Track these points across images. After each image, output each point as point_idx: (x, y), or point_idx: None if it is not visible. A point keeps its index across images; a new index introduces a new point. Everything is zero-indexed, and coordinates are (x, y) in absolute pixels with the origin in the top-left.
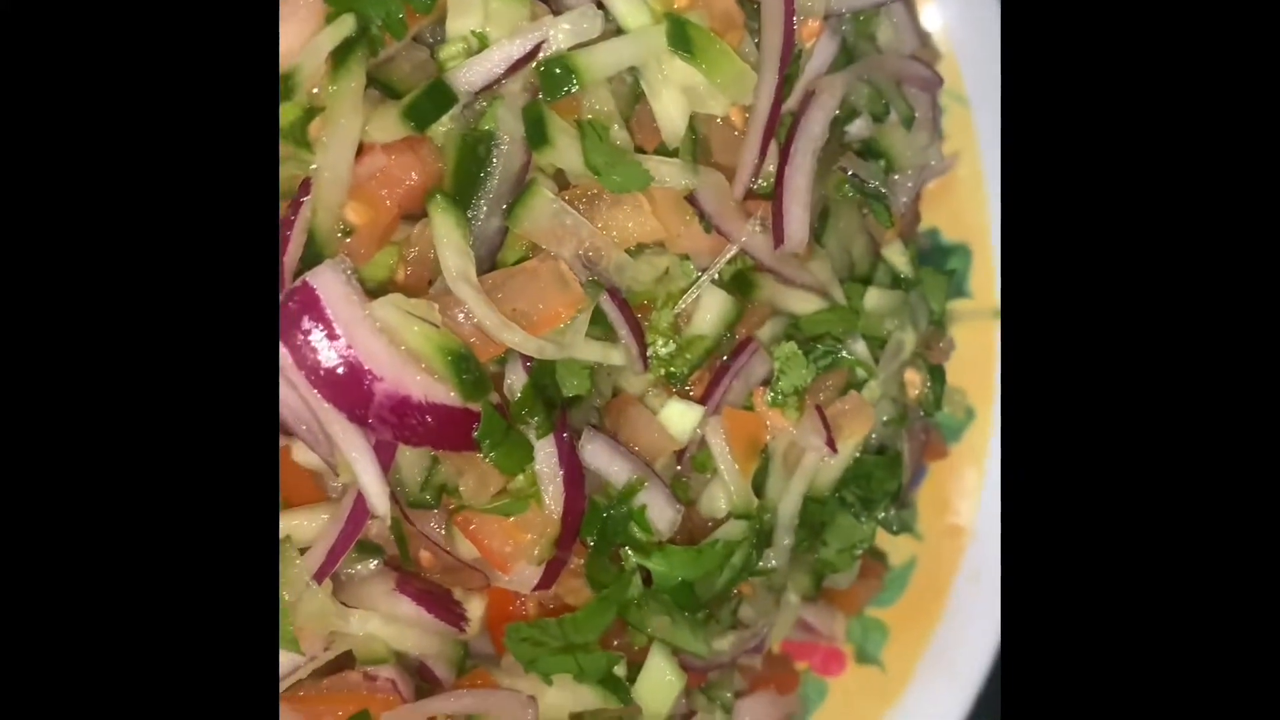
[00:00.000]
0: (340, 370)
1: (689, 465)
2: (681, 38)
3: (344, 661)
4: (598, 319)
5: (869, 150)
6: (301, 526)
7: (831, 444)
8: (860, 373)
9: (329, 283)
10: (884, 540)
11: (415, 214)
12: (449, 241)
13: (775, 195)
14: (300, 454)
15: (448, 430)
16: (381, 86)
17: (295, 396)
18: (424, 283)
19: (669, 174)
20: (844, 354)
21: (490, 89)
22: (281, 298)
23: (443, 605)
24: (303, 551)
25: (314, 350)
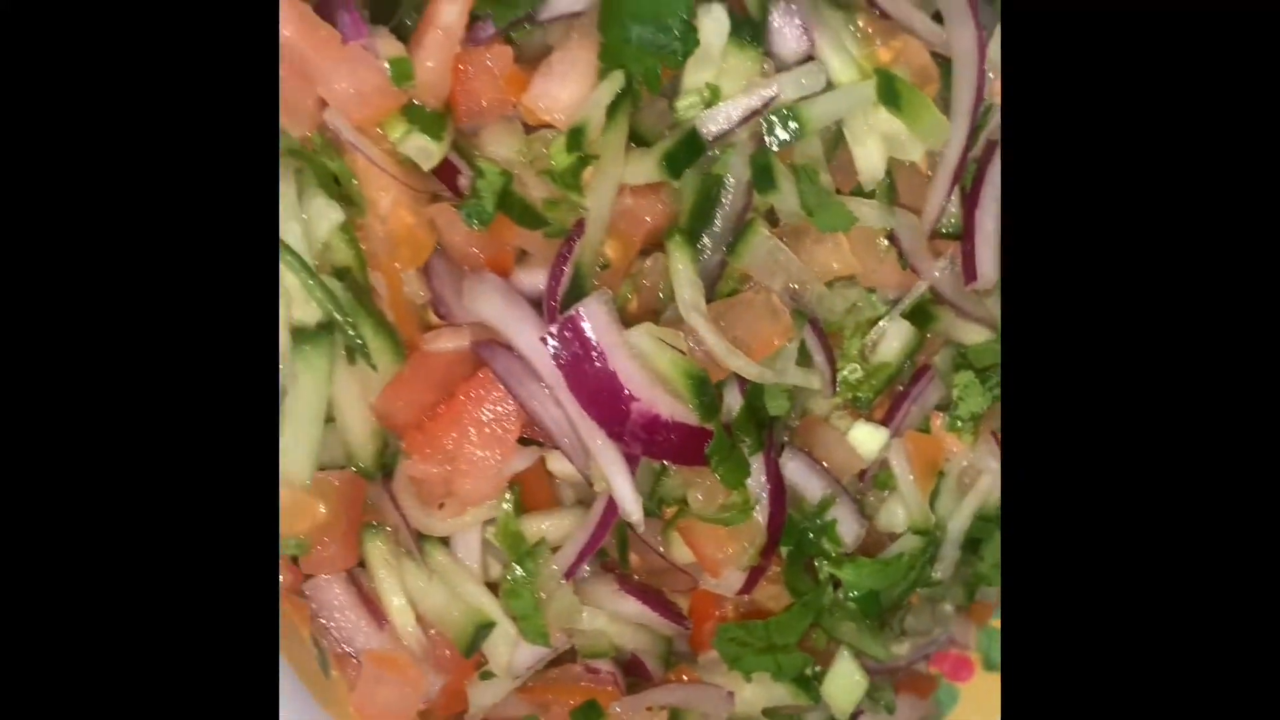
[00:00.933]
0: (603, 391)
1: (870, 482)
2: (891, 92)
3: (565, 656)
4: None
5: None
6: (553, 528)
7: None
8: None
9: (596, 313)
10: None
11: (646, 249)
12: (685, 276)
13: (965, 236)
14: (555, 464)
15: (688, 446)
16: (632, 136)
17: (562, 414)
18: (651, 311)
19: (870, 215)
20: None
21: (724, 138)
22: (554, 328)
23: (664, 605)
24: (554, 551)
25: (583, 373)
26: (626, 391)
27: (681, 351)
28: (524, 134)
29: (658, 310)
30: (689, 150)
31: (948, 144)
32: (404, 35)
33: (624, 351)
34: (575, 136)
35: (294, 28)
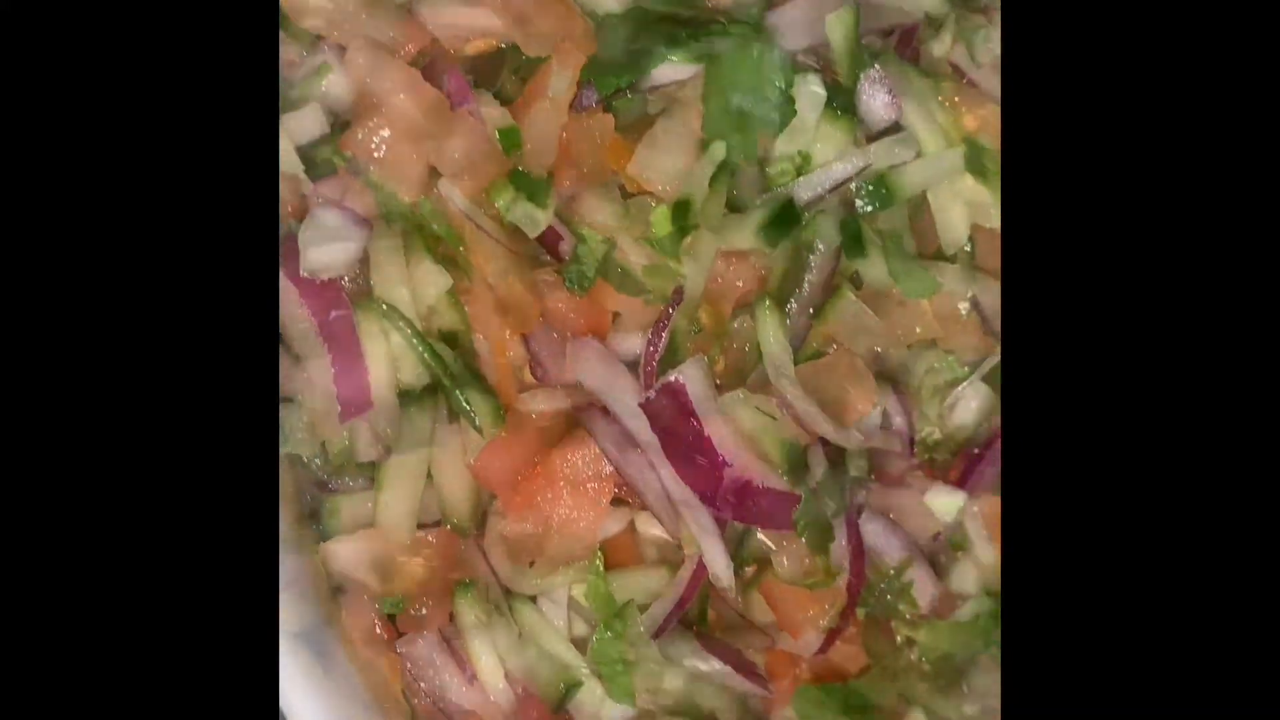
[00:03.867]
0: (698, 456)
1: (944, 543)
2: (978, 162)
3: (643, 715)
4: None
5: None
6: (642, 589)
7: None
8: None
9: (694, 378)
10: None
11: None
12: (774, 340)
13: None
14: (645, 526)
15: (777, 511)
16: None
17: (655, 478)
18: (738, 374)
19: (953, 280)
20: None
21: (816, 204)
22: (653, 393)
23: (744, 664)
24: (641, 611)
25: (679, 438)
26: (721, 457)
27: (773, 417)
28: (622, 201)
29: (744, 372)
30: (785, 219)
31: None
32: (504, 99)
33: (719, 417)
34: (681, 209)
35: (405, 93)
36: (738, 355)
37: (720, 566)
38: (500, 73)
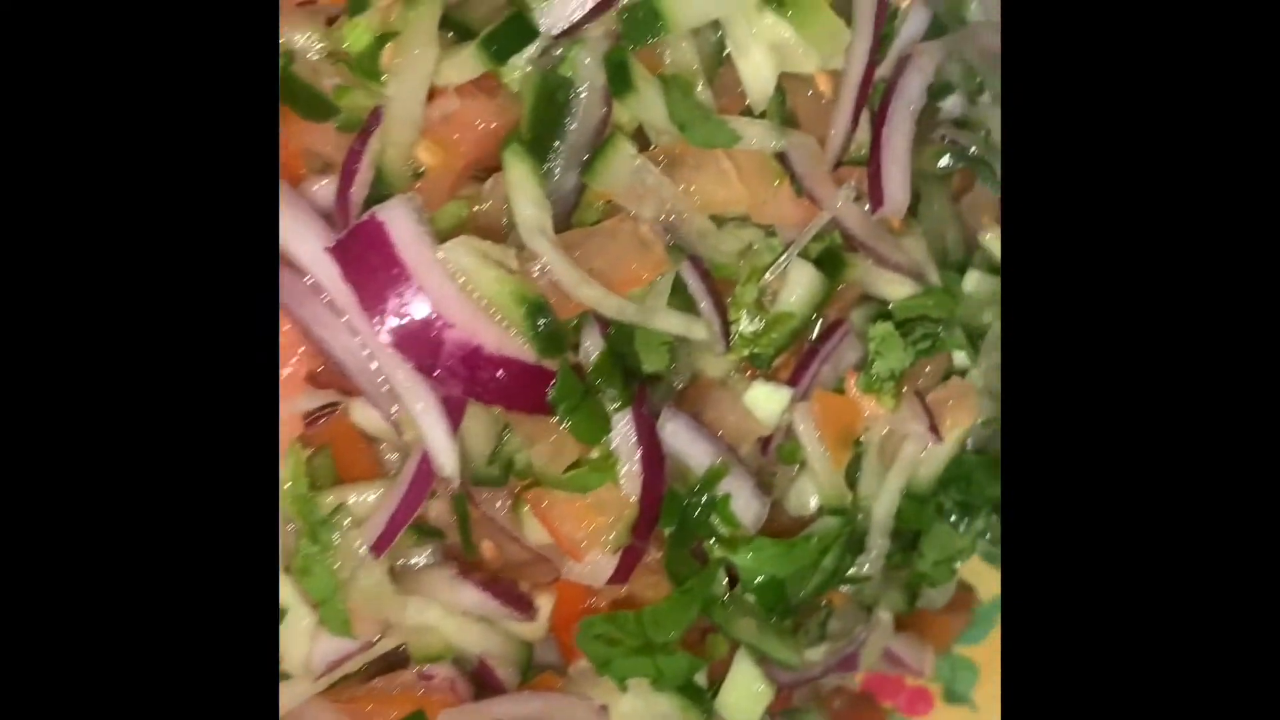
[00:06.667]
0: (409, 313)
1: (775, 456)
2: None
3: (396, 662)
4: (678, 291)
5: (967, 125)
6: (359, 501)
7: (935, 430)
8: (961, 359)
9: (399, 219)
10: (972, 573)
11: (485, 171)
12: (525, 191)
13: (872, 157)
14: (359, 413)
15: (521, 387)
16: (457, 28)
17: (357, 344)
18: (493, 236)
19: (757, 135)
20: (944, 335)
21: (571, 33)
22: (344, 233)
23: (509, 594)
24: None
25: (381, 290)
26: (437, 316)
27: (510, 269)
28: (325, 25)
29: (504, 238)
30: (514, 36)
31: (849, 56)
32: None
33: (438, 268)
34: (360, 3)
35: None
36: (492, 218)
37: (442, 451)
38: None
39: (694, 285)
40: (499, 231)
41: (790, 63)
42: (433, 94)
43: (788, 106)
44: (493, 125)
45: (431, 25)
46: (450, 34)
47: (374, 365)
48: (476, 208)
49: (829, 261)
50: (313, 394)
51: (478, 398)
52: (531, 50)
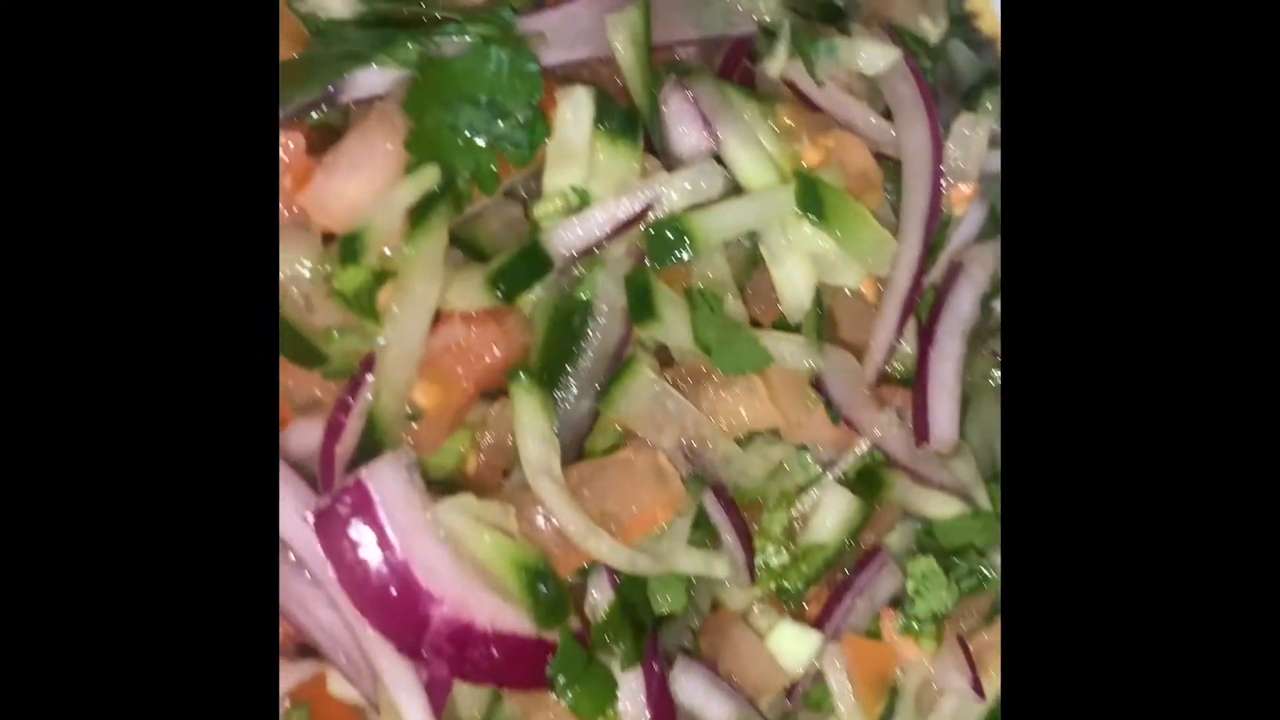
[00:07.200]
0: (392, 589)
1: (800, 703)
2: (812, 200)
3: None
4: (699, 520)
5: None
6: None
7: (977, 686)
8: None
9: (387, 481)
10: None
11: (493, 391)
12: (532, 428)
13: (917, 385)
14: (338, 685)
15: (516, 665)
16: (465, 246)
17: (336, 618)
18: (498, 473)
19: (791, 353)
20: (991, 573)
21: (590, 252)
22: (327, 502)
23: None
24: None
25: (363, 563)
26: (426, 589)
27: (509, 534)
28: (321, 246)
29: (507, 473)
30: (528, 268)
31: (895, 266)
32: None
33: (427, 534)
34: (350, 245)
35: None
36: (498, 449)
37: None
38: None
39: (717, 517)
40: (501, 463)
41: (830, 274)
42: (437, 319)
43: (828, 313)
44: (501, 354)
45: (436, 259)
46: (458, 254)
47: (354, 641)
48: (485, 437)
49: (866, 480)
50: (291, 666)
51: (466, 679)
52: (549, 275)
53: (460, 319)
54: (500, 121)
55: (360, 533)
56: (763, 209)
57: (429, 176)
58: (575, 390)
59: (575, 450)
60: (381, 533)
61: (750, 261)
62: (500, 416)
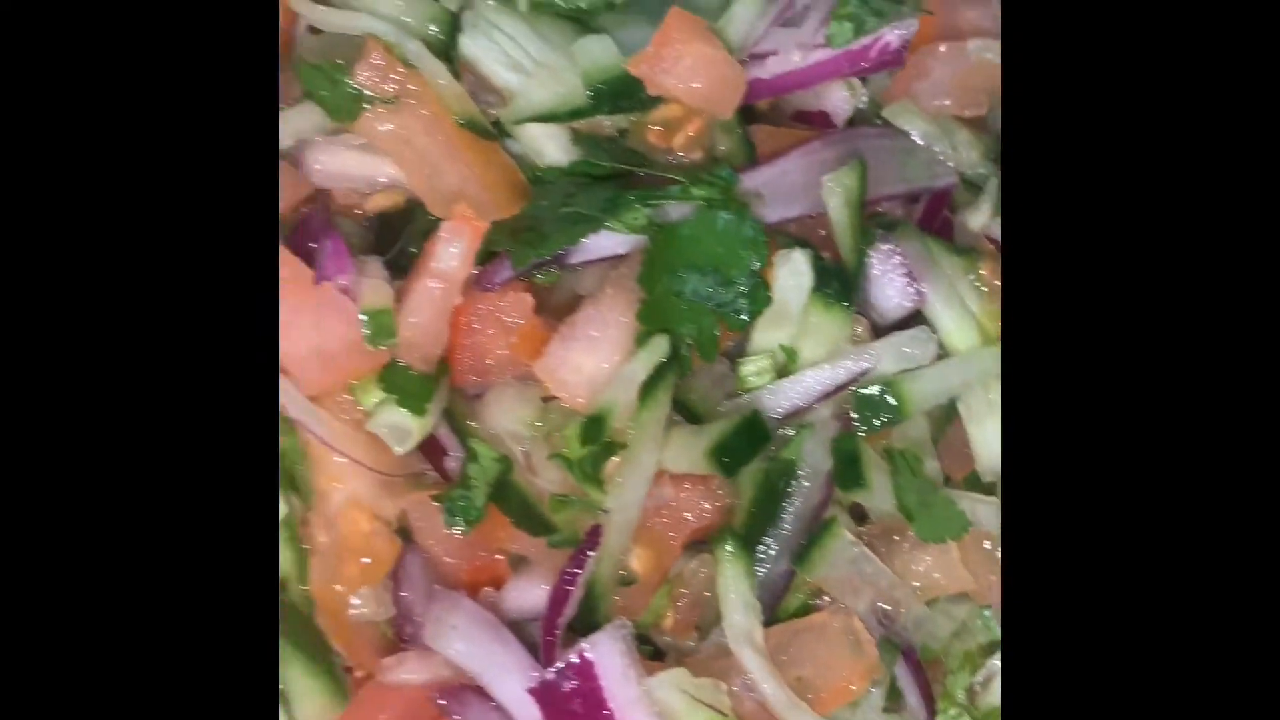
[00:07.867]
0: None
1: None
2: None
3: None
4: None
5: None
6: None
7: None
8: None
9: (607, 654)
10: None
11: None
12: (737, 596)
13: None
14: None
15: None
16: (677, 405)
17: None
18: (690, 627)
19: (986, 517)
20: None
21: (798, 414)
22: (550, 673)
23: None
24: None
25: None
26: None
27: (721, 712)
28: (540, 404)
29: (700, 628)
30: (748, 440)
31: None
32: (404, 266)
33: (643, 709)
34: (593, 427)
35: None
36: (692, 608)
37: None
38: (402, 236)
39: (905, 682)
40: (694, 619)
41: None
42: None
43: None
44: (709, 516)
45: (660, 427)
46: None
47: None
48: (681, 593)
49: None
50: None
51: None
52: None
53: (670, 479)
54: (723, 288)
55: (582, 706)
56: (969, 372)
57: (660, 348)
58: (774, 552)
59: (768, 614)
60: (602, 707)
61: (945, 419)
62: (695, 575)
